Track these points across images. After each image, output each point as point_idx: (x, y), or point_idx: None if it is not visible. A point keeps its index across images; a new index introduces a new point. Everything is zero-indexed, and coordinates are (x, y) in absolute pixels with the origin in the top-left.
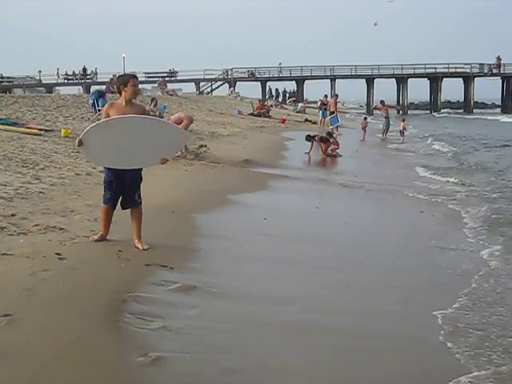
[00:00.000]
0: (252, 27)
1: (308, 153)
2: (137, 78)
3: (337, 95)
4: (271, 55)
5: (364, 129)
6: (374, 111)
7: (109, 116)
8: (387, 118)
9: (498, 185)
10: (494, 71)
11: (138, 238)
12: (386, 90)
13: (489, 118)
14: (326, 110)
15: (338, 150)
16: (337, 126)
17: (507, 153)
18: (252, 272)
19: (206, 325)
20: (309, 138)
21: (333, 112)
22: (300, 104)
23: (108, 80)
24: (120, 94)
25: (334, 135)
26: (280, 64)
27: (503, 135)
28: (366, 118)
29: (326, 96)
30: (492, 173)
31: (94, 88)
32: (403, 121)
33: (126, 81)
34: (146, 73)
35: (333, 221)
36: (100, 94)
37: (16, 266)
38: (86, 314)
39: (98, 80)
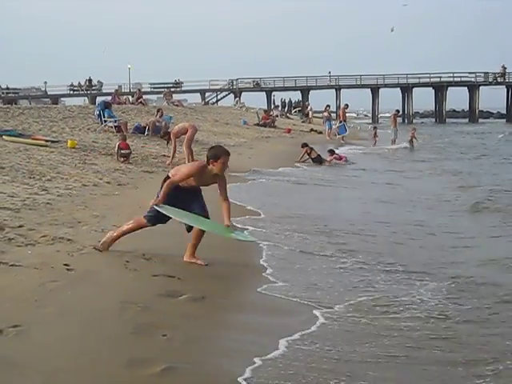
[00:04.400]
0: (257, 38)
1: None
2: (229, 154)
3: (346, 105)
4: (276, 65)
5: (374, 138)
6: (380, 120)
7: (193, 174)
8: (396, 127)
9: None
10: (499, 80)
11: (193, 254)
12: (391, 100)
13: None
14: (330, 120)
15: (343, 161)
16: (343, 136)
17: None
18: (259, 282)
19: (214, 335)
20: (304, 145)
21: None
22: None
23: (113, 91)
24: (208, 163)
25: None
26: (330, 73)
27: None
28: (375, 128)
29: (328, 106)
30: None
31: (99, 99)
32: (413, 129)
33: (217, 156)
34: (151, 83)
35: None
36: (106, 105)
37: (24, 277)
38: (94, 324)
39: (104, 91)
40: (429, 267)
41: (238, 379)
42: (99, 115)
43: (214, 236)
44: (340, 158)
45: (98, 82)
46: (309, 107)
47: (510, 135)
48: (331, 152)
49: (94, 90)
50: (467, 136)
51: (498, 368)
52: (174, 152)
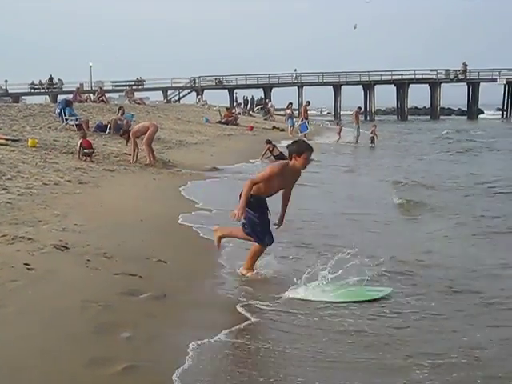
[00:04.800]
0: (220, 35)
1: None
2: (312, 150)
3: (308, 102)
4: (238, 63)
5: (339, 133)
6: (342, 117)
7: (275, 173)
8: (358, 124)
9: None
10: (460, 77)
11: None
12: (353, 97)
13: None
14: (292, 118)
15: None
16: (305, 134)
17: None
18: (217, 280)
19: (175, 333)
20: (268, 141)
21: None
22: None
23: (75, 89)
24: (290, 158)
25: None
26: (295, 70)
27: None
28: (340, 125)
29: (290, 104)
30: None
31: (60, 97)
32: (374, 126)
33: (301, 151)
34: (113, 81)
35: None
36: (67, 104)
37: None
38: (55, 324)
39: (65, 89)
40: (378, 262)
41: (172, 377)
42: (60, 113)
43: (174, 235)
44: None
45: (59, 80)
46: (269, 104)
47: (456, 132)
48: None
49: (55, 88)
50: (416, 133)
51: (437, 362)
52: (134, 151)
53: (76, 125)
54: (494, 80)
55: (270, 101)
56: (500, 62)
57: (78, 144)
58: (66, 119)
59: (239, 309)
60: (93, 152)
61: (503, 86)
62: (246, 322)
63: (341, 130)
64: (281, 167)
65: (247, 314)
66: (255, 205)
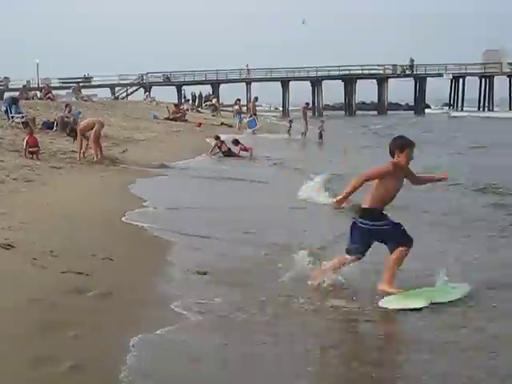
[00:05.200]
0: (167, 31)
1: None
2: (414, 145)
3: (256, 98)
4: (186, 59)
5: (288, 131)
6: (291, 113)
7: (385, 171)
8: (305, 120)
9: None
10: (407, 72)
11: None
12: (301, 93)
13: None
14: (240, 114)
15: (249, 153)
16: (253, 130)
17: None
18: (164, 277)
19: (122, 331)
20: (217, 137)
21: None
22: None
23: (21, 86)
24: (392, 156)
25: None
26: (247, 66)
27: None
28: (291, 121)
29: (238, 100)
30: None
31: (6, 95)
32: (321, 122)
33: (402, 147)
34: (60, 79)
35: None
36: (13, 101)
37: None
38: None
39: (11, 87)
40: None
41: (119, 376)
42: (6, 111)
43: (121, 233)
44: (246, 149)
45: (5, 78)
46: (213, 100)
47: (385, 128)
48: (236, 142)
49: (0, 86)
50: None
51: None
52: (81, 148)
53: (22, 122)
54: (441, 75)
55: (215, 97)
56: (446, 58)
57: (25, 141)
58: (12, 117)
59: (184, 306)
60: (38, 150)
61: (449, 81)
62: (191, 320)
63: (290, 126)
64: (394, 165)
65: (191, 313)
66: (378, 216)
